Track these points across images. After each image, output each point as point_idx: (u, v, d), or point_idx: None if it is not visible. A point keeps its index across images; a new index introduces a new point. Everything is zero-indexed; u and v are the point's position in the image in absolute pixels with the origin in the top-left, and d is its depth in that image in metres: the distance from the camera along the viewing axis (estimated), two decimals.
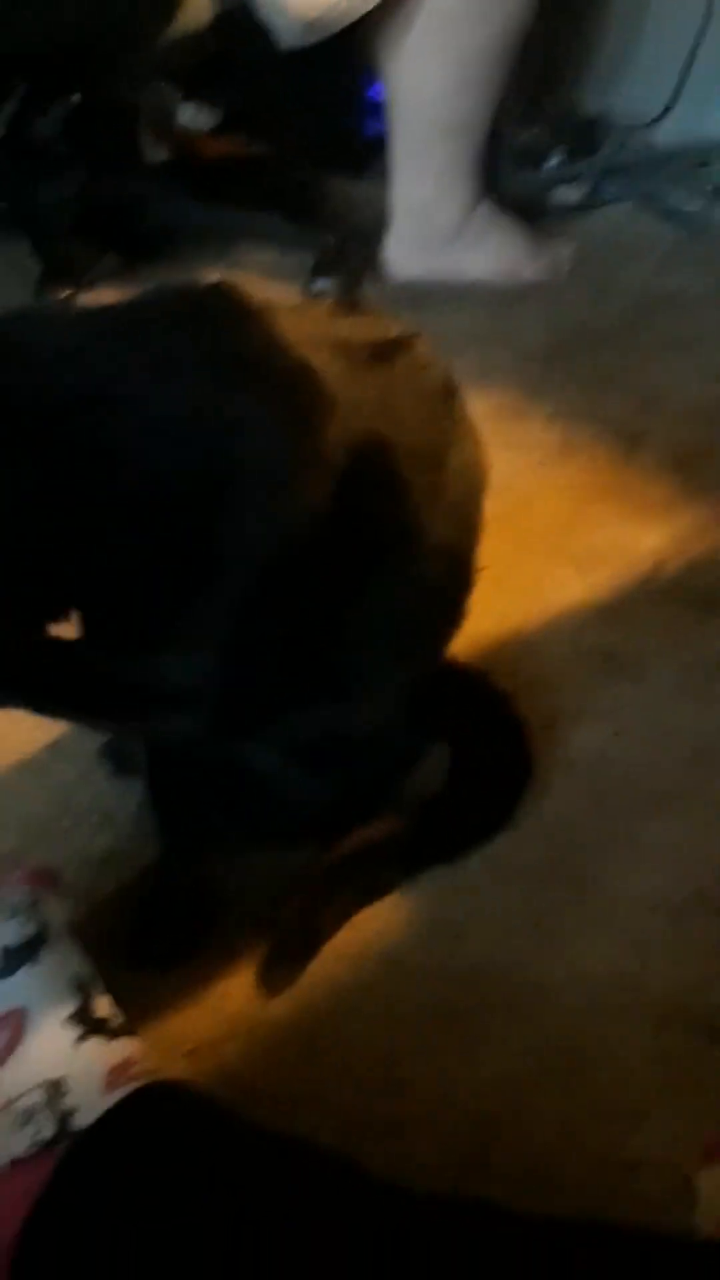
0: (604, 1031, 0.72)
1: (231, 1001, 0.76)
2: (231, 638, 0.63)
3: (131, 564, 0.59)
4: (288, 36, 1.41)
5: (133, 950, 0.77)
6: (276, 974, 0.77)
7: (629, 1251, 0.50)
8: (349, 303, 0.77)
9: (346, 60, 1.85)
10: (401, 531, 0.71)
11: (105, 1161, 0.57)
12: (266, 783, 0.78)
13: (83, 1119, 0.59)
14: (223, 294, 0.64)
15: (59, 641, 0.66)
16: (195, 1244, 0.53)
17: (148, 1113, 0.59)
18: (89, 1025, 0.64)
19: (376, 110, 2.07)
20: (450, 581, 0.80)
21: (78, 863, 0.85)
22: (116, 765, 0.93)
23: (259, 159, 2.10)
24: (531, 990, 0.75)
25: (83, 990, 0.67)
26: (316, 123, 2.08)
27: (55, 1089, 0.60)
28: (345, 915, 0.80)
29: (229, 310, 0.63)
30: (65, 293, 1.61)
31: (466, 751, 0.88)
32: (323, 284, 1.68)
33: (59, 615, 0.65)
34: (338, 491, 0.63)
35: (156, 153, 1.99)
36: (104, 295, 1.70)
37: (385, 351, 0.73)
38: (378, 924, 0.80)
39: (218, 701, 0.66)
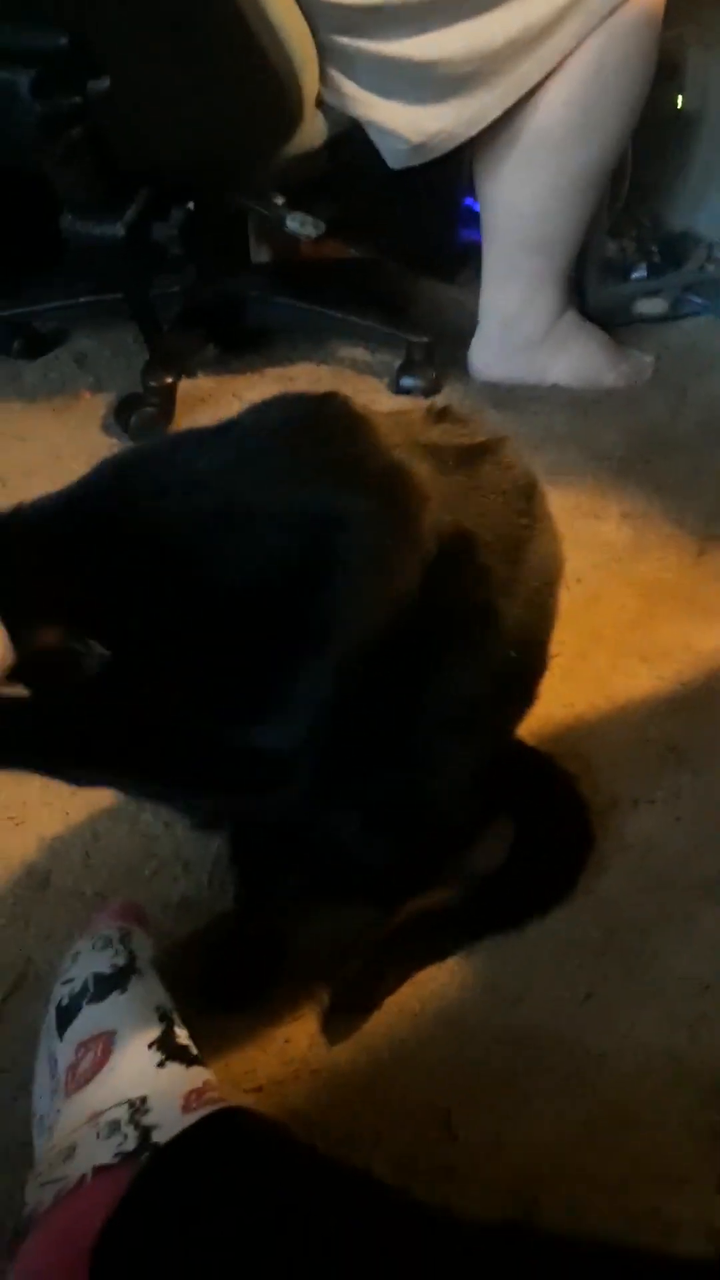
0: (650, 1100, 0.75)
1: (295, 1046, 0.81)
2: (326, 707, 0.69)
3: (246, 644, 0.67)
4: (395, 159, 1.52)
5: (204, 992, 0.82)
6: (339, 1022, 0.81)
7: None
8: (443, 410, 0.85)
9: (446, 173, 1.98)
10: (481, 615, 0.78)
11: (182, 1174, 0.61)
12: (340, 844, 0.84)
13: (162, 1135, 0.63)
14: (332, 404, 0.72)
15: (159, 720, 0.73)
16: (261, 1258, 0.57)
17: (223, 1133, 0.64)
18: (170, 1051, 0.70)
19: (471, 219, 2.20)
20: (523, 664, 0.86)
21: (158, 907, 0.91)
22: (196, 819, 0.99)
23: (356, 262, 2.24)
24: (582, 1056, 0.79)
25: (165, 1019, 0.72)
26: (413, 229, 2.20)
27: (138, 1106, 0.65)
28: (407, 973, 0.84)
29: (337, 419, 0.71)
30: (168, 379, 1.72)
31: (530, 827, 0.93)
32: (409, 382, 1.78)
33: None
34: (426, 577, 0.70)
35: (260, 254, 2.13)
36: (202, 382, 1.83)
37: (473, 454, 0.81)
38: (438, 984, 0.84)
39: (309, 768, 0.72)
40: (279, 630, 0.67)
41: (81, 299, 1.89)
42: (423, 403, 0.79)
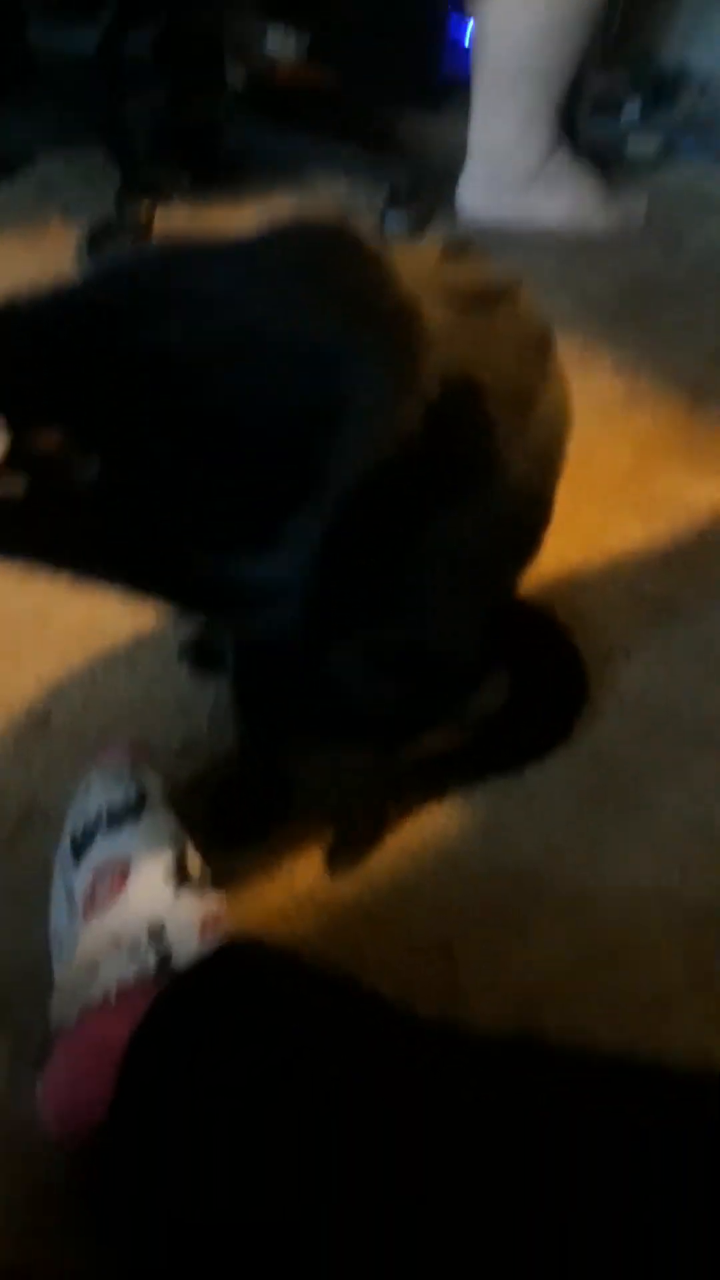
0: (644, 932, 0.79)
1: (300, 879, 0.83)
2: (324, 542, 0.68)
3: (245, 476, 0.65)
4: None
5: (210, 829, 0.83)
6: (342, 857, 0.84)
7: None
8: (459, 246, 0.81)
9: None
10: (484, 464, 0.77)
11: (203, 994, 0.64)
12: (344, 687, 0.84)
13: (180, 959, 0.66)
14: (348, 233, 0.69)
15: (175, 538, 0.72)
16: (280, 1070, 0.60)
17: (240, 957, 0.66)
18: (185, 880, 0.71)
19: (457, 49, 2.08)
20: (527, 516, 0.85)
21: (159, 750, 0.91)
22: (195, 663, 0.99)
23: (337, 90, 2.12)
24: (577, 893, 0.82)
25: (179, 849, 0.73)
26: (397, 57, 2.09)
27: (156, 931, 0.67)
28: (408, 811, 0.87)
29: (352, 249, 0.68)
30: (143, 204, 1.64)
31: (527, 675, 0.95)
32: (394, 218, 1.71)
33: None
34: (429, 422, 0.68)
35: (237, 78, 2.01)
36: (177, 212, 1.75)
37: (487, 300, 0.79)
38: (438, 824, 0.87)
39: (307, 600, 0.71)
40: (277, 464, 0.65)
41: (49, 119, 1.78)
42: (438, 238, 0.75)
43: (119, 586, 0.74)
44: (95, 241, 1.60)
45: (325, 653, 0.82)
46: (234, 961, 0.66)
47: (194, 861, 0.74)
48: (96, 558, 0.70)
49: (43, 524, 0.67)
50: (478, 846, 0.85)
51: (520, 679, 0.94)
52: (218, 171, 1.86)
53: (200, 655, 0.99)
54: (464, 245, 0.84)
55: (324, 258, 0.70)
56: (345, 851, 0.84)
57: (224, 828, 0.84)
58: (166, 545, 0.71)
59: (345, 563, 0.71)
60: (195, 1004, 0.63)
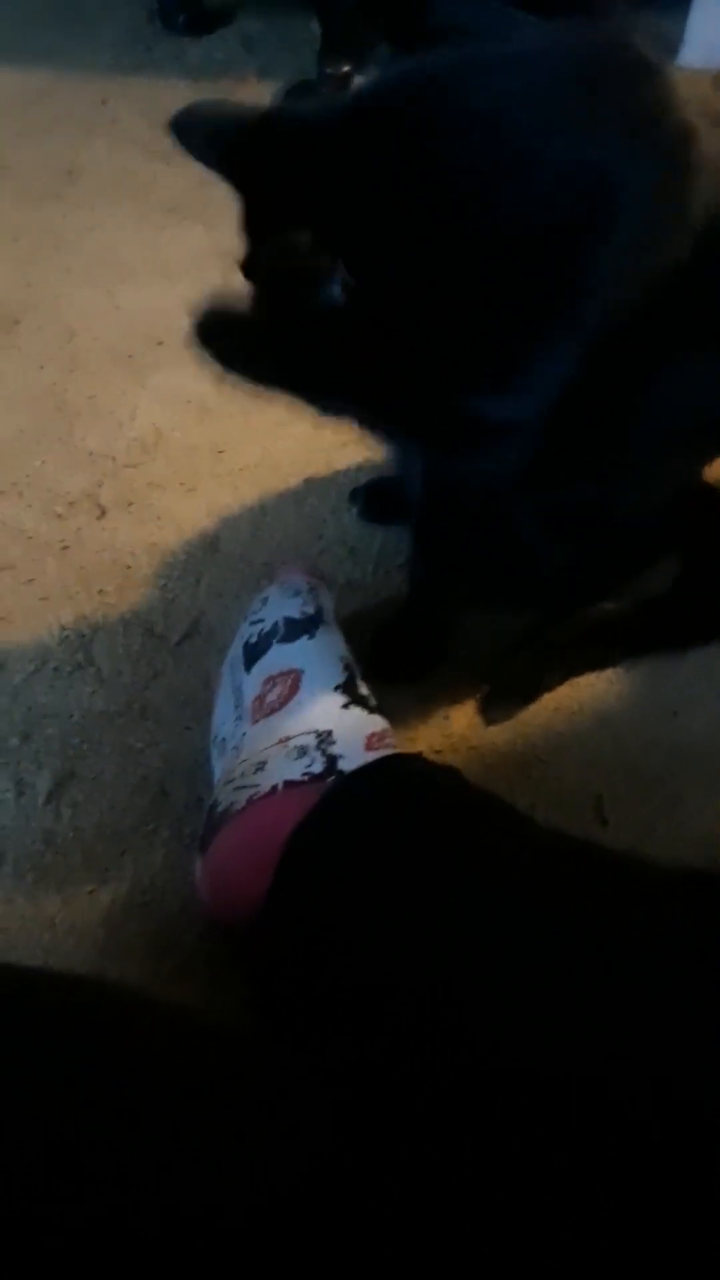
0: None
1: (454, 723, 0.84)
2: (562, 384, 0.66)
3: (500, 297, 0.63)
4: None
5: (370, 664, 0.84)
6: (499, 706, 0.84)
7: None
8: None
9: None
10: None
11: (370, 795, 0.65)
12: (525, 544, 0.83)
13: (347, 765, 0.67)
14: (630, 47, 0.65)
15: (416, 366, 0.71)
16: (441, 871, 0.60)
17: (405, 768, 0.67)
18: (353, 697, 0.73)
19: None
20: None
21: (322, 585, 0.92)
22: (364, 508, 0.99)
23: None
24: None
25: (349, 669, 0.75)
26: None
27: (324, 737, 0.69)
28: (569, 674, 0.86)
29: (633, 65, 0.65)
30: (345, 67, 1.61)
31: (700, 557, 0.92)
32: None
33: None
34: (694, 253, 0.65)
35: None
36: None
37: None
38: (597, 690, 0.86)
39: (530, 446, 0.70)
40: (533, 287, 0.63)
41: None
42: (712, 69, 0.71)
43: (343, 414, 0.73)
44: (291, 99, 1.58)
45: (518, 505, 0.81)
46: (399, 771, 0.67)
47: (362, 684, 0.75)
48: (332, 382, 0.69)
49: (279, 342, 0.67)
50: (635, 716, 0.84)
51: (693, 561, 0.92)
52: (419, 44, 1.81)
53: (372, 502, 0.99)
54: None
55: (604, 70, 0.66)
56: (502, 702, 0.84)
57: (384, 664, 0.85)
58: (405, 373, 0.70)
59: (581, 403, 0.68)
60: (359, 805, 0.64)
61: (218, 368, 0.65)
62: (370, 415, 0.71)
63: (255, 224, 0.63)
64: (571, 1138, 0.45)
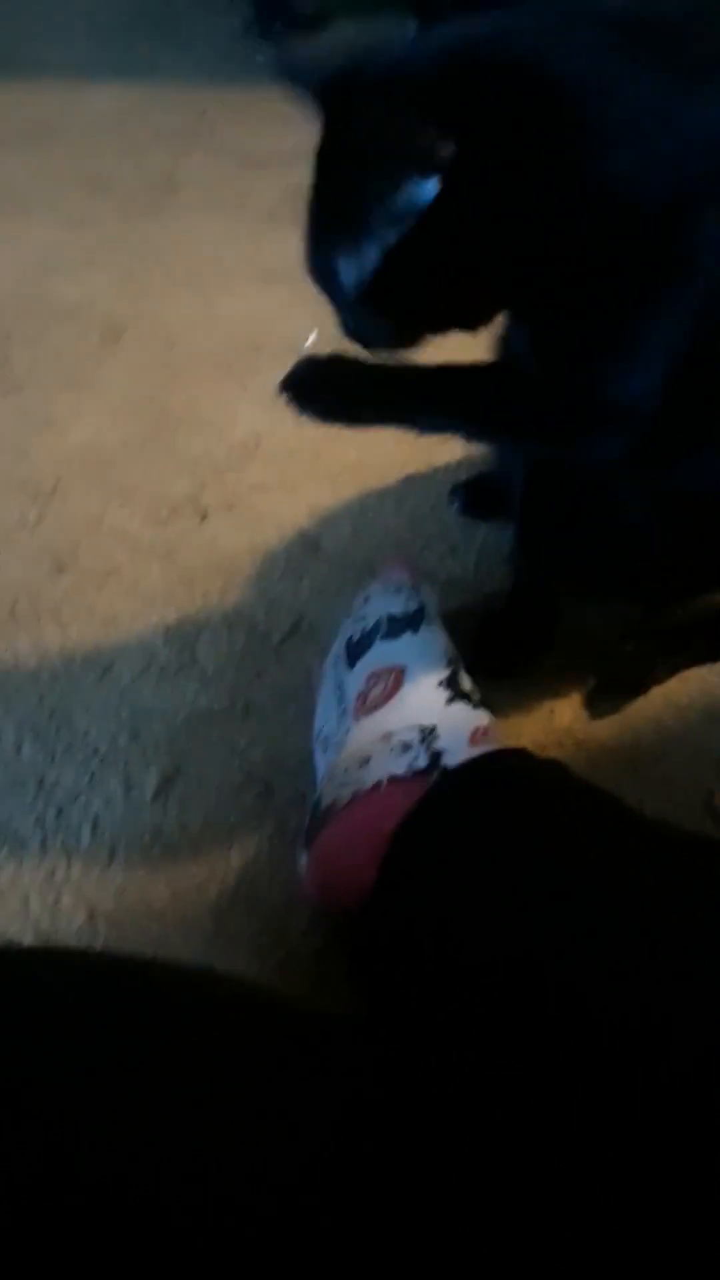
0: None
1: (560, 717, 0.82)
2: (681, 356, 0.64)
3: (599, 260, 0.62)
4: None
5: (475, 657, 0.83)
6: (604, 701, 0.83)
7: None
8: None
9: None
10: None
11: (474, 791, 0.64)
12: (633, 536, 0.82)
13: (451, 760, 0.67)
14: None
15: (498, 363, 0.70)
16: (539, 864, 0.60)
17: (509, 764, 0.66)
18: (457, 692, 0.72)
19: None
20: None
21: (425, 581, 0.92)
22: (465, 504, 0.99)
23: None
24: None
25: (452, 664, 0.74)
26: None
27: (428, 732, 0.69)
28: (676, 668, 0.84)
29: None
30: None
31: None
32: None
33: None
34: None
35: None
36: None
37: None
38: (707, 683, 0.84)
39: (651, 423, 0.67)
40: (643, 252, 0.61)
41: None
42: None
43: (454, 431, 0.73)
44: None
45: (625, 492, 0.79)
46: (504, 766, 0.66)
47: (466, 679, 0.74)
48: (443, 402, 0.69)
49: (384, 378, 0.67)
50: None
51: None
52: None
53: (472, 498, 0.99)
54: None
55: (714, 30, 0.64)
56: (608, 696, 0.83)
57: (488, 659, 0.84)
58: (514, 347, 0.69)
59: (694, 381, 0.66)
60: (465, 799, 0.64)
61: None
62: (478, 425, 0.71)
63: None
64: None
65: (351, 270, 0.61)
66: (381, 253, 0.58)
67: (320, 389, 0.68)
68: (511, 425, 0.70)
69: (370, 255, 0.59)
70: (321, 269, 0.64)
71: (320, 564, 0.95)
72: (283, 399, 0.67)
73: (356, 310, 0.65)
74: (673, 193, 0.58)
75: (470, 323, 0.70)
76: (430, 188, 0.55)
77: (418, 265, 0.60)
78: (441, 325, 0.68)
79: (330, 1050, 0.48)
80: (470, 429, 0.72)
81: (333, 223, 0.62)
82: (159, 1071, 0.42)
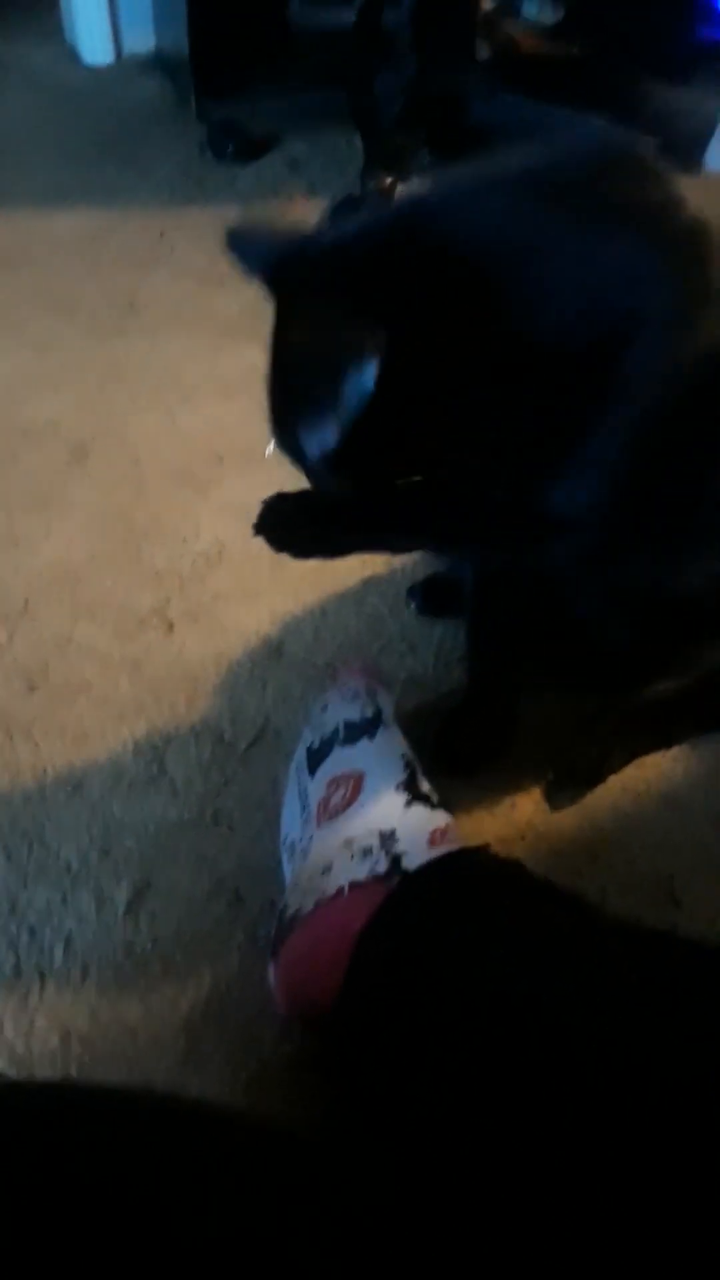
0: None
1: (521, 811, 0.84)
2: (621, 469, 0.68)
3: (535, 399, 0.66)
4: None
5: (435, 756, 0.86)
6: (563, 792, 0.84)
7: None
8: None
9: None
10: None
11: (433, 893, 0.66)
12: (584, 628, 0.84)
13: (411, 862, 0.68)
14: (633, 150, 0.68)
15: (450, 482, 0.74)
16: (500, 965, 0.61)
17: (467, 864, 0.68)
18: (415, 794, 0.74)
19: (710, 16, 2.02)
20: None
21: (385, 682, 0.95)
22: (422, 605, 1.02)
23: (582, 60, 2.10)
24: None
25: (409, 767, 0.76)
26: (646, 25, 2.05)
27: (388, 836, 0.70)
28: (633, 755, 0.87)
29: (639, 165, 0.68)
30: (387, 180, 1.68)
31: None
32: None
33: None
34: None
35: (481, 50, 2.03)
36: (416, 185, 1.78)
37: None
38: (662, 768, 0.86)
39: (599, 530, 0.71)
40: (575, 384, 0.65)
41: (300, 97, 1.86)
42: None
43: (417, 549, 0.76)
44: (338, 215, 1.66)
45: (576, 591, 0.82)
46: (463, 866, 0.68)
47: (424, 781, 0.76)
48: (407, 528, 0.73)
49: (348, 516, 0.71)
50: (703, 792, 0.84)
51: None
52: (459, 147, 1.89)
53: (428, 597, 1.02)
54: None
55: (612, 177, 0.70)
56: (566, 787, 0.85)
57: (447, 757, 0.87)
58: (470, 480, 0.73)
59: (641, 484, 0.70)
60: (425, 898, 0.66)
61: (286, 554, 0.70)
62: (444, 542, 0.74)
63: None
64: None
65: (314, 445, 0.65)
66: (340, 430, 0.62)
67: (293, 529, 0.72)
68: (471, 540, 0.73)
69: (329, 434, 0.63)
70: (288, 443, 0.68)
71: (283, 669, 0.97)
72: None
73: (323, 475, 0.69)
74: (598, 332, 0.63)
75: (429, 470, 0.74)
76: (369, 376, 0.60)
77: (374, 433, 0.64)
78: (403, 474, 0.72)
79: (287, 1173, 0.49)
80: (437, 546, 0.75)
81: (292, 404, 0.66)
82: (118, 1207, 0.43)
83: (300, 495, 0.71)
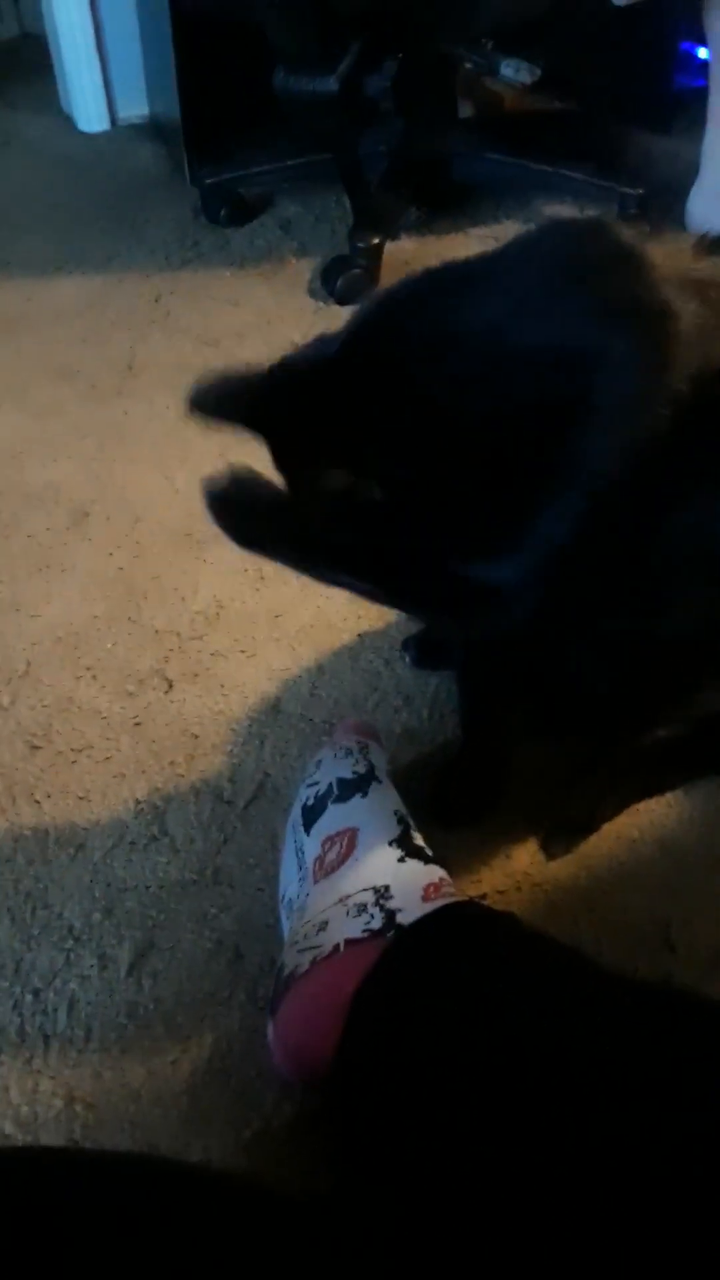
0: None
1: (517, 861, 0.85)
2: (559, 548, 0.70)
3: (497, 480, 0.68)
4: None
5: (430, 809, 0.87)
6: (559, 840, 0.85)
7: None
8: (715, 241, 0.82)
9: (664, 14, 1.87)
10: None
11: (428, 948, 0.67)
12: (572, 679, 0.86)
13: (405, 918, 0.69)
14: (605, 235, 0.71)
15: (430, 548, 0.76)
16: (495, 1017, 0.62)
17: (462, 918, 0.69)
18: (409, 850, 0.75)
19: (688, 64, 2.07)
20: None
21: (382, 736, 0.96)
22: (416, 658, 1.04)
23: (564, 114, 2.16)
24: None
25: (403, 822, 0.77)
26: (625, 77, 2.10)
27: (382, 892, 0.71)
28: (626, 802, 0.88)
29: (609, 251, 0.70)
30: (374, 240, 1.72)
31: None
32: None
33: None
34: (679, 420, 0.69)
35: (464, 111, 2.08)
36: (405, 245, 1.83)
37: None
38: (656, 814, 0.87)
39: (530, 603, 0.73)
40: (522, 469, 0.68)
41: (289, 162, 1.90)
42: (695, 234, 0.76)
43: (346, 586, 0.79)
44: (328, 275, 1.70)
45: (556, 647, 0.84)
46: (457, 920, 0.69)
47: (418, 836, 0.78)
48: (339, 561, 0.75)
49: (298, 530, 0.73)
50: (697, 837, 0.85)
51: None
52: (446, 203, 1.94)
53: (423, 650, 1.03)
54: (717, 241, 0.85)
55: (578, 258, 0.72)
56: (561, 836, 0.86)
57: (443, 809, 0.88)
58: (420, 554, 0.75)
59: (585, 561, 0.72)
60: (420, 957, 0.67)
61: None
62: (372, 587, 0.77)
63: (285, 462, 0.70)
64: None
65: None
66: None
67: (243, 514, 0.74)
68: (402, 593, 0.76)
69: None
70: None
71: (281, 725, 0.99)
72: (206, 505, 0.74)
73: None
74: (546, 414, 0.65)
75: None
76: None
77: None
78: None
79: (294, 1241, 0.50)
80: (364, 588, 0.77)
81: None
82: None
83: (261, 486, 0.73)
